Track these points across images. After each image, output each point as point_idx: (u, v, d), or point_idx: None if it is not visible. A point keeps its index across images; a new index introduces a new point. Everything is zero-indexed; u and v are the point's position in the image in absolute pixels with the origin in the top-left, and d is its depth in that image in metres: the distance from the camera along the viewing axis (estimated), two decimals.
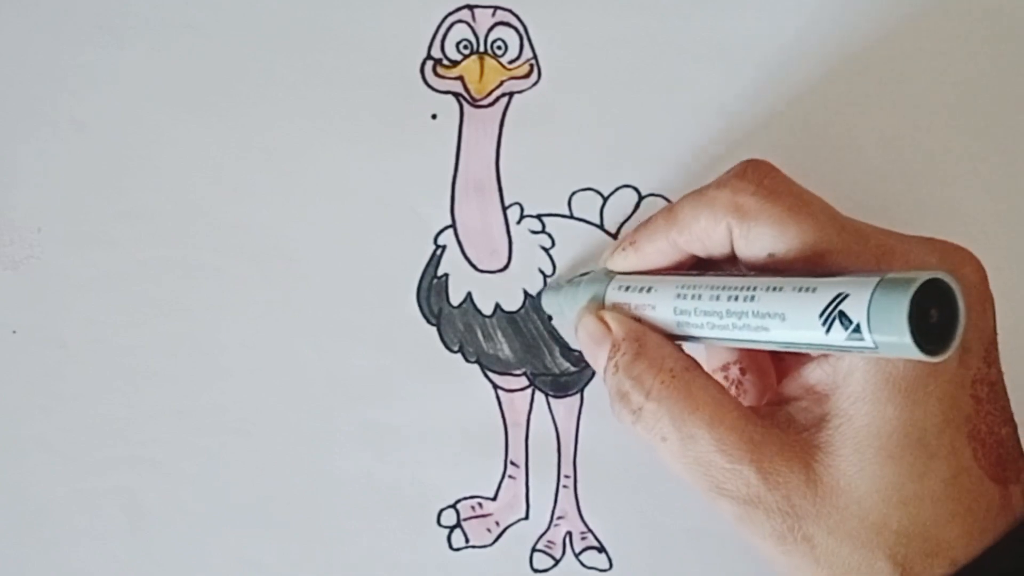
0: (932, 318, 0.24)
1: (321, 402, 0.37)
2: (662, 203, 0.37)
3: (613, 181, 0.37)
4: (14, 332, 0.37)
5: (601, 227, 0.37)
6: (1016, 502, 0.29)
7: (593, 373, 0.37)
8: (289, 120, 0.37)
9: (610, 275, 0.33)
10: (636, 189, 0.37)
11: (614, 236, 0.37)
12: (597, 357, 0.32)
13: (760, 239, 0.29)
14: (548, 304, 0.37)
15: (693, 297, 0.29)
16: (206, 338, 0.37)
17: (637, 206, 0.37)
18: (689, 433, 0.29)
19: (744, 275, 0.29)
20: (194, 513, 0.37)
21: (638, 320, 0.31)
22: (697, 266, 0.32)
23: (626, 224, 0.37)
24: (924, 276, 0.24)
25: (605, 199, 0.37)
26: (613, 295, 0.32)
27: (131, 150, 0.37)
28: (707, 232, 0.30)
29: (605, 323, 0.32)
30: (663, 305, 0.30)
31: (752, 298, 0.27)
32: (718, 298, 0.28)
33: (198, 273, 0.37)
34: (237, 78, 0.37)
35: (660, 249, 0.32)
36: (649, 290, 0.31)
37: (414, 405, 0.37)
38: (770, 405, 0.31)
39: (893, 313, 0.24)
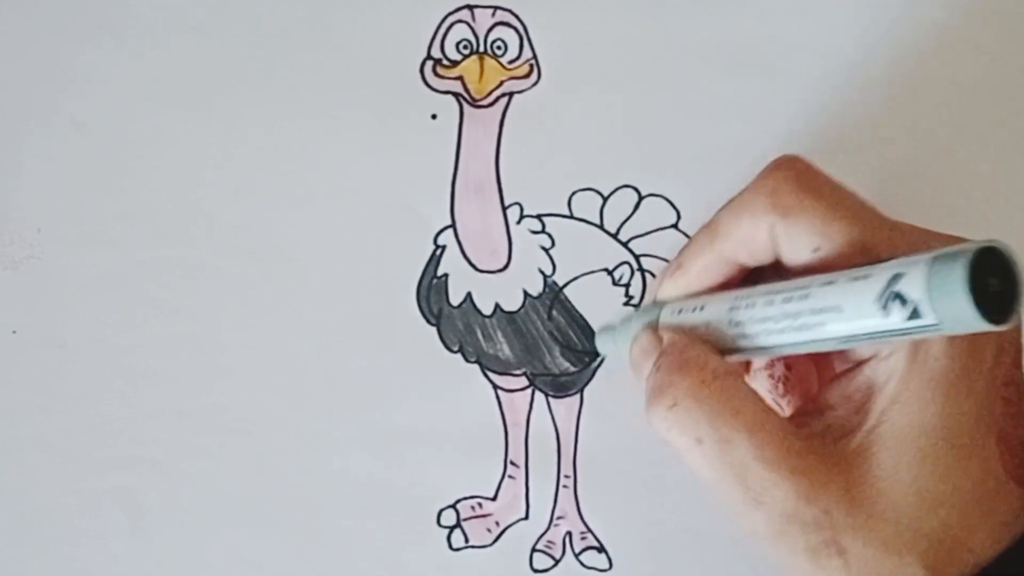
0: (991, 287, 0.24)
1: (321, 402, 0.37)
2: (662, 203, 0.37)
3: (613, 181, 0.37)
4: (14, 332, 0.37)
5: (601, 227, 0.37)
6: None
7: (593, 373, 0.37)
8: (289, 120, 0.37)
9: (662, 304, 0.33)
10: (636, 189, 0.37)
11: (614, 236, 0.37)
12: (644, 369, 0.31)
13: (804, 235, 0.28)
14: (602, 344, 0.36)
15: (747, 307, 0.29)
16: (206, 338, 0.37)
17: (637, 206, 0.37)
18: (727, 436, 0.28)
19: (794, 279, 0.29)
20: (194, 513, 0.37)
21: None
22: (747, 282, 0.32)
23: (626, 223, 0.37)
24: (977, 244, 0.23)
25: (605, 199, 0.37)
26: (667, 319, 0.32)
27: (131, 150, 0.37)
28: (750, 235, 0.30)
29: (659, 338, 0.31)
30: (718, 319, 0.30)
31: (806, 296, 0.27)
32: (772, 303, 0.28)
33: (198, 273, 0.37)
34: (237, 78, 0.37)
35: (707, 265, 0.31)
36: (702, 308, 0.30)
37: (414, 405, 0.37)
38: (804, 415, 0.31)
39: (952, 285, 0.23)
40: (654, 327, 0.32)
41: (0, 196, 0.37)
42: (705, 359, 0.29)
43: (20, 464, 0.36)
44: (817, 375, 0.33)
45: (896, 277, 0.25)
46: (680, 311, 0.32)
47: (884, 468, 0.28)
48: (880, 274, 0.25)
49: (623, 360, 0.34)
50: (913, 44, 0.38)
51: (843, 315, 0.26)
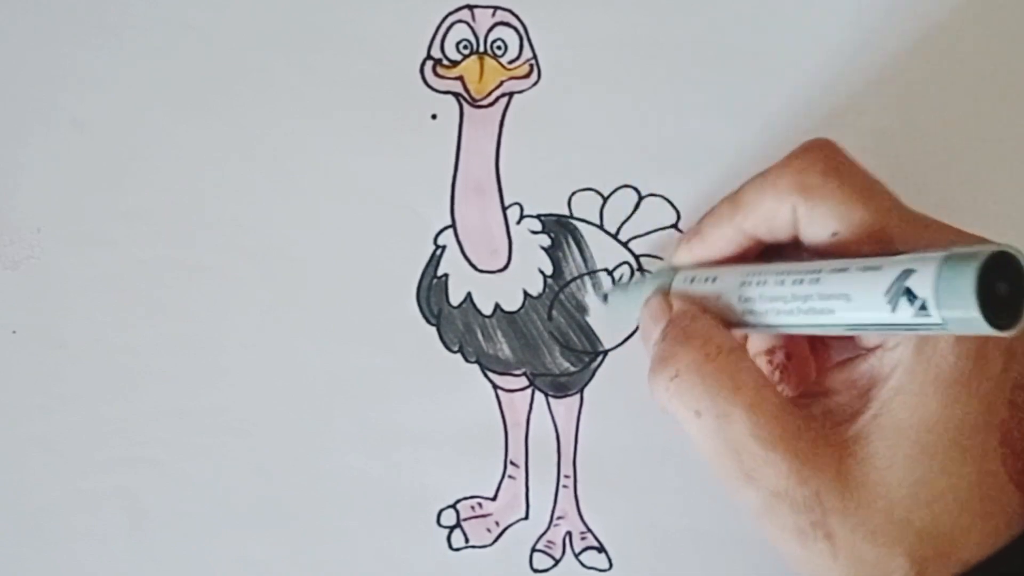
0: (999, 292, 0.24)
1: (321, 402, 0.37)
2: (662, 203, 0.37)
3: (613, 181, 0.37)
4: (14, 332, 0.37)
5: (601, 227, 0.37)
6: None
7: (593, 373, 0.37)
8: (289, 120, 0.37)
9: (676, 270, 0.33)
10: (636, 189, 0.37)
11: (614, 236, 0.37)
12: (652, 335, 0.31)
13: (825, 217, 0.29)
14: (615, 302, 0.36)
15: (758, 284, 0.29)
16: (206, 338, 0.37)
17: (637, 206, 0.37)
18: (725, 411, 0.28)
19: (809, 260, 0.29)
20: (194, 513, 0.37)
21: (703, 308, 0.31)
22: (762, 257, 0.32)
23: (626, 224, 0.37)
24: (990, 248, 0.23)
25: (605, 199, 0.37)
26: (680, 287, 0.32)
27: (131, 150, 0.37)
28: (772, 213, 0.30)
29: (669, 304, 0.31)
30: (728, 293, 0.30)
31: (817, 280, 0.27)
32: (783, 283, 0.28)
33: (198, 273, 0.37)
34: (237, 78, 0.37)
35: (725, 236, 0.32)
36: (714, 280, 0.31)
37: (414, 405, 0.37)
38: (807, 397, 0.31)
39: (961, 287, 0.23)
40: (666, 293, 0.33)
41: (0, 196, 0.37)
42: (711, 332, 0.30)
43: (20, 464, 0.36)
44: (815, 364, 0.33)
45: (906, 272, 0.25)
46: (693, 280, 0.32)
47: (881, 458, 0.28)
48: (891, 267, 0.25)
49: (629, 321, 0.34)
50: (914, 42, 0.38)
51: (851, 304, 0.26)
